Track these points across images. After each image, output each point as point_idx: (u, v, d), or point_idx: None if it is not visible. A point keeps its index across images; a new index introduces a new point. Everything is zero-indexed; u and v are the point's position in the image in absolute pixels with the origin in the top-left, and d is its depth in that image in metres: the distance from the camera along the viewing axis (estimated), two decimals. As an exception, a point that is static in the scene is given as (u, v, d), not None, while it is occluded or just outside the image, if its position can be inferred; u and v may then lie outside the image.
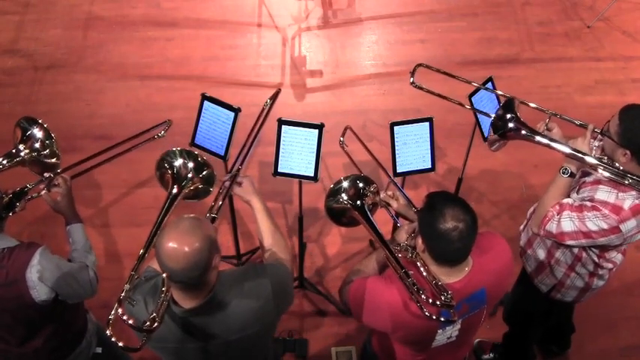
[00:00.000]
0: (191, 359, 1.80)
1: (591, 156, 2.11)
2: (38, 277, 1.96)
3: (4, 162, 2.25)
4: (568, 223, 2.11)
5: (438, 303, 1.71)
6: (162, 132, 2.64)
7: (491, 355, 3.16)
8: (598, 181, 2.13)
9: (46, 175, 2.18)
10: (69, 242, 2.21)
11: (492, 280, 1.85)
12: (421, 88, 2.74)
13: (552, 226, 2.15)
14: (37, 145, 2.29)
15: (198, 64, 4.61)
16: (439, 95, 2.76)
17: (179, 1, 5.06)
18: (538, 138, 2.20)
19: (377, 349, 2.15)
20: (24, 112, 4.20)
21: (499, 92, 2.71)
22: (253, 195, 2.10)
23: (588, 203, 2.10)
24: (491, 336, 3.20)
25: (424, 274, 1.78)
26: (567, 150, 2.13)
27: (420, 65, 2.83)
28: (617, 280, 3.42)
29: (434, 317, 1.74)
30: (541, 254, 2.42)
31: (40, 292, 1.98)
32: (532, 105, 2.36)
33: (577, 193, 2.21)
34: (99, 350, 2.41)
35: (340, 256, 3.57)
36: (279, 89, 2.66)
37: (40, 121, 2.31)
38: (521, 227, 2.59)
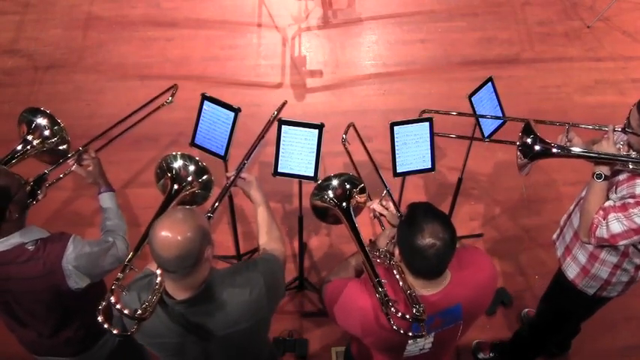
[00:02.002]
0: (190, 356, 1.81)
1: (622, 155, 2.11)
2: (74, 266, 2.00)
3: (17, 154, 2.28)
4: (617, 225, 2.10)
5: (407, 317, 1.68)
6: (170, 98, 2.67)
7: (491, 355, 3.16)
8: (633, 177, 2.13)
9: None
10: (101, 210, 2.30)
11: (470, 297, 1.81)
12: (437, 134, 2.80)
13: (602, 232, 2.14)
14: (47, 132, 2.33)
15: (198, 64, 4.61)
16: (454, 136, 2.79)
17: (179, 1, 5.06)
18: (568, 152, 2.20)
19: (355, 353, 2.15)
20: (24, 112, 4.22)
21: (510, 118, 2.73)
22: (255, 188, 2.17)
23: (631, 200, 2.10)
24: (490, 336, 3.20)
25: (400, 283, 1.76)
26: (599, 156, 2.12)
27: (424, 111, 2.87)
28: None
29: (402, 331, 1.71)
30: (582, 259, 2.41)
31: (76, 280, 2.02)
32: (556, 123, 2.40)
33: (615, 192, 2.20)
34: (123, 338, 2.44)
35: (340, 256, 3.57)
36: (286, 101, 2.68)
37: (42, 108, 2.35)
38: (554, 236, 2.58)
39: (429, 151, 2.72)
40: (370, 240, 2.17)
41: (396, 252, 1.77)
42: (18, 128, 2.36)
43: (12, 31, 4.83)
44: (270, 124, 2.52)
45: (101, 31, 4.84)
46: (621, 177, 2.19)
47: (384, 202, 2.11)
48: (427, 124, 2.69)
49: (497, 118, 2.84)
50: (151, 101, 2.66)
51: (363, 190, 2.25)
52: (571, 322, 2.79)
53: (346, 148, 2.65)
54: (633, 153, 2.12)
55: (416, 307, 1.68)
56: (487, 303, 1.93)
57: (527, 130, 2.27)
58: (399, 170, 2.72)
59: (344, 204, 2.19)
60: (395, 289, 1.77)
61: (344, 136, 2.77)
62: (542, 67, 4.64)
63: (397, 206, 2.13)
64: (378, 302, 1.75)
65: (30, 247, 1.97)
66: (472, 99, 2.82)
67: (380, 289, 1.75)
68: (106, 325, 1.67)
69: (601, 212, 2.14)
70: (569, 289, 2.52)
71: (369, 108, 4.30)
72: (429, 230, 1.64)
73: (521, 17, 5.01)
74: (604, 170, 2.14)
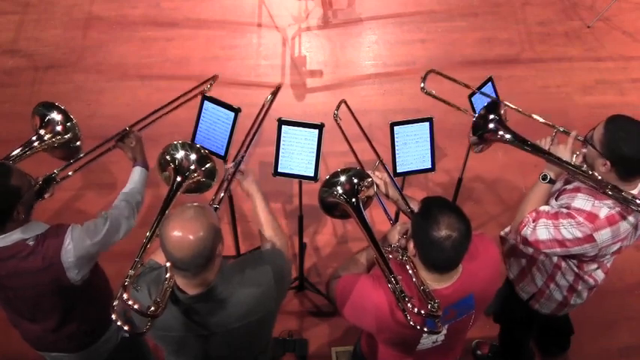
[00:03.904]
0: (193, 349, 1.82)
1: (570, 163, 2.10)
2: (74, 256, 2.01)
3: (28, 149, 2.30)
4: (543, 231, 2.10)
5: (423, 313, 1.69)
6: (208, 86, 2.76)
7: (489, 354, 3.16)
8: (577, 189, 2.12)
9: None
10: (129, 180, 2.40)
11: (481, 286, 1.83)
12: (431, 95, 2.76)
13: (527, 232, 2.14)
14: (59, 128, 2.37)
15: (198, 64, 4.61)
16: (447, 102, 2.77)
17: (179, 1, 5.06)
18: (516, 141, 2.20)
19: (365, 350, 2.14)
20: (24, 112, 4.16)
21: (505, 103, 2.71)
22: (254, 184, 2.20)
23: (564, 210, 2.09)
24: (490, 335, 3.20)
25: (413, 278, 1.76)
26: (546, 155, 2.14)
27: (431, 71, 2.83)
28: (618, 280, 3.42)
29: (418, 327, 1.72)
30: (523, 261, 2.42)
31: (75, 271, 2.03)
32: (512, 106, 2.37)
33: (556, 200, 2.20)
34: (126, 335, 2.47)
35: (340, 256, 3.57)
36: (281, 84, 2.70)
37: (57, 104, 2.39)
38: (502, 233, 2.55)
39: (429, 151, 2.72)
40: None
41: (410, 246, 1.77)
42: (31, 120, 2.37)
43: (12, 31, 4.83)
44: (268, 108, 2.56)
45: (101, 31, 4.84)
46: (568, 186, 2.19)
47: (377, 173, 2.14)
48: (427, 124, 2.69)
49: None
50: (191, 90, 2.73)
51: (371, 184, 2.25)
52: (517, 322, 2.76)
53: (338, 124, 2.66)
54: (584, 166, 2.09)
55: (431, 303, 1.70)
56: (495, 289, 1.95)
57: (492, 107, 2.26)
58: (399, 170, 2.72)
59: (353, 199, 2.19)
60: (408, 285, 1.77)
61: (336, 112, 2.77)
62: (542, 67, 4.64)
63: (391, 176, 2.15)
64: (392, 298, 1.75)
65: (30, 243, 1.97)
66: (472, 99, 2.82)
67: (396, 284, 1.76)
68: (119, 323, 1.67)
69: (533, 214, 2.14)
70: (510, 288, 2.54)
71: (369, 108, 4.30)
72: (445, 222, 1.65)
73: (521, 17, 5.01)
74: (551, 173, 2.15)
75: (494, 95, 2.88)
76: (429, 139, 2.71)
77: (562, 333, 3.11)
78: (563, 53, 4.74)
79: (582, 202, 2.07)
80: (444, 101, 2.77)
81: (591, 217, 2.03)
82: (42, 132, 2.34)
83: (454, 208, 1.72)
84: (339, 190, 2.20)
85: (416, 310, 1.70)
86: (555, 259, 2.27)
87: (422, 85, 2.77)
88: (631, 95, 4.46)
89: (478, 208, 3.82)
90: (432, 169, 2.76)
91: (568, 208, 2.09)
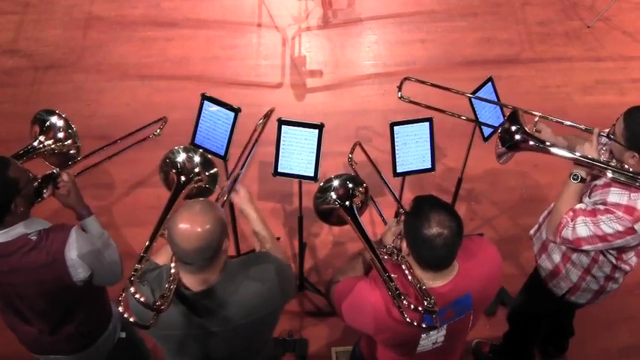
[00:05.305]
0: (194, 350, 1.82)
1: (601, 161, 2.11)
2: (77, 255, 2.00)
3: (27, 152, 2.29)
4: (583, 229, 2.12)
5: (420, 309, 1.69)
6: (158, 130, 2.66)
7: (490, 355, 3.16)
8: (609, 184, 2.13)
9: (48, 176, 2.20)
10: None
11: (478, 286, 1.83)
12: (409, 101, 2.76)
13: (568, 233, 2.15)
14: (60, 135, 2.34)
15: (197, 64, 4.61)
16: (429, 107, 2.77)
17: (179, 1, 5.06)
18: (547, 148, 2.21)
19: (365, 351, 2.15)
20: (24, 112, 4.20)
21: (503, 104, 2.71)
22: (249, 204, 2.16)
23: (601, 207, 2.11)
24: (490, 336, 3.20)
25: (409, 277, 1.76)
26: (577, 157, 2.14)
27: (407, 79, 2.85)
28: (617, 280, 3.42)
29: (415, 324, 1.72)
30: (556, 258, 2.42)
31: (78, 270, 2.02)
32: (536, 114, 2.33)
33: (589, 197, 2.21)
34: (123, 335, 2.46)
35: (340, 256, 3.57)
36: (273, 109, 2.63)
37: (57, 111, 2.36)
38: (532, 232, 2.58)
39: (429, 151, 2.73)
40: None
41: (404, 246, 1.78)
42: (30, 127, 2.36)
43: (12, 31, 4.83)
44: (261, 131, 2.50)
45: (101, 31, 4.85)
46: (599, 182, 2.20)
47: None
48: (427, 124, 2.69)
49: (488, 101, 2.82)
50: (140, 129, 2.64)
51: (365, 189, 2.25)
52: (540, 320, 2.77)
53: (354, 169, 2.65)
54: (613, 161, 2.12)
55: (427, 300, 1.70)
56: (495, 291, 1.95)
57: (514, 118, 2.26)
58: (399, 170, 2.72)
59: (347, 203, 2.19)
60: (404, 284, 1.77)
61: (350, 156, 2.76)
62: (542, 67, 4.64)
63: (400, 202, 2.13)
64: (389, 297, 1.76)
65: (33, 237, 1.97)
66: (472, 99, 2.82)
67: (391, 283, 1.76)
68: (126, 315, 1.68)
69: (571, 213, 2.15)
70: (540, 286, 2.54)
71: (369, 108, 4.30)
72: (436, 220, 1.66)
73: (521, 17, 5.01)
74: (581, 172, 2.16)
75: (493, 97, 2.89)
76: (428, 139, 2.71)
77: (562, 334, 3.11)
78: (563, 53, 4.74)
79: (617, 196, 2.09)
80: (425, 106, 2.77)
81: (629, 210, 2.06)
82: (42, 138, 2.33)
83: (445, 205, 1.73)
84: (333, 195, 2.21)
85: (412, 306, 1.70)
86: (592, 253, 2.28)
87: (399, 94, 2.78)
88: (631, 95, 4.46)
89: (478, 208, 3.82)
90: (432, 169, 2.76)
91: (604, 203, 2.11)
